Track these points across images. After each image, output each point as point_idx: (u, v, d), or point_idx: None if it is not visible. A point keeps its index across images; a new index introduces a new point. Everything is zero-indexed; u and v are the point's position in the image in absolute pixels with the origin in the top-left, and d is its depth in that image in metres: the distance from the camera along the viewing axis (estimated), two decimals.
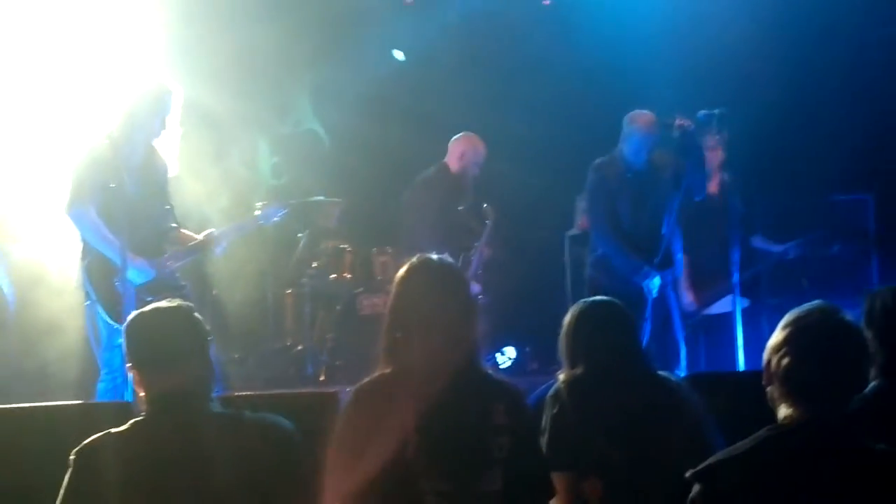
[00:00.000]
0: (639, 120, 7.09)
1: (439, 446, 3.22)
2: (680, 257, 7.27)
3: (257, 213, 6.86)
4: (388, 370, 3.39)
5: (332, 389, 6.50)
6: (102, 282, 5.82)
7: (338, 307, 9.22)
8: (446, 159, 8.05)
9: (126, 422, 3.15)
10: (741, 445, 2.74)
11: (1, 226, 7.34)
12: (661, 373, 4.24)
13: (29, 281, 7.05)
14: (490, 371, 3.54)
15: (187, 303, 3.38)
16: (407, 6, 10.58)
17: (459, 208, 8.08)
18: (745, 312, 7.66)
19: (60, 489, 3.06)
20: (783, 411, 2.80)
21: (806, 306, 2.86)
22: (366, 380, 3.41)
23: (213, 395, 3.29)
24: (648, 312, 6.87)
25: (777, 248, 6.78)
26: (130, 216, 5.65)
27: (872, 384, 3.27)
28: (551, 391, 4.09)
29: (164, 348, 3.21)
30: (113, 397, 5.71)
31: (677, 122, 6.92)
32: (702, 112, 6.86)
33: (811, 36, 8.89)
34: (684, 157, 7.02)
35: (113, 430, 3.13)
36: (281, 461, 3.12)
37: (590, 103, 9.49)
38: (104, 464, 3.05)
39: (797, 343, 2.79)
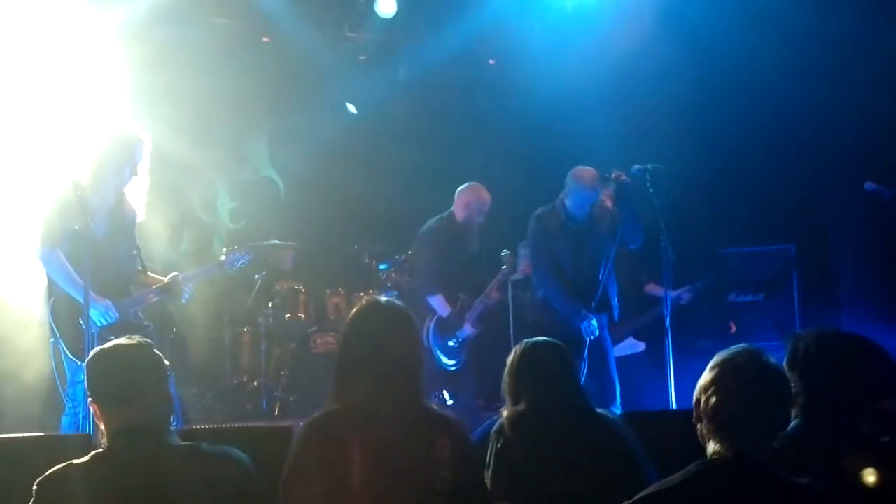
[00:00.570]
0: (584, 177, 7.15)
1: (384, 480, 3.20)
2: (616, 302, 7.32)
3: (222, 258, 6.85)
4: (336, 406, 3.37)
5: (286, 423, 6.44)
6: (66, 320, 5.76)
7: (292, 345, 9.20)
8: (453, 208, 8.06)
9: (87, 454, 3.10)
10: (672, 479, 2.76)
11: None
12: (598, 410, 4.25)
13: None
14: (435, 407, 3.54)
15: (147, 340, 3.34)
16: (361, 62, 10.64)
17: (465, 254, 8.07)
18: (647, 354, 7.81)
19: None
20: (711, 447, 2.83)
21: (732, 349, 2.90)
22: (315, 415, 3.38)
23: (172, 427, 3.26)
24: (586, 353, 6.91)
25: (670, 294, 6.83)
26: (96, 259, 5.59)
27: (794, 422, 3.29)
28: (495, 426, 4.08)
29: (124, 383, 3.18)
30: (76, 431, 5.63)
31: (613, 175, 7.02)
32: (636, 166, 6.93)
33: (738, 92, 9.03)
34: (619, 207, 7.10)
35: (75, 461, 3.09)
36: (238, 492, 3.10)
37: (530, 155, 9.59)
38: (66, 493, 3.01)
39: (724, 383, 2.82)
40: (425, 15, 10.11)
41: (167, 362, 3.32)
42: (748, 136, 9.06)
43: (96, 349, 3.34)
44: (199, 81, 9.31)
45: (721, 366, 2.86)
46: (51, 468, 3.07)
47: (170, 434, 3.20)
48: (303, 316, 9.36)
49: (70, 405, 5.77)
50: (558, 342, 4.35)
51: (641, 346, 8.45)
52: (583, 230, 7.20)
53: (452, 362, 8.02)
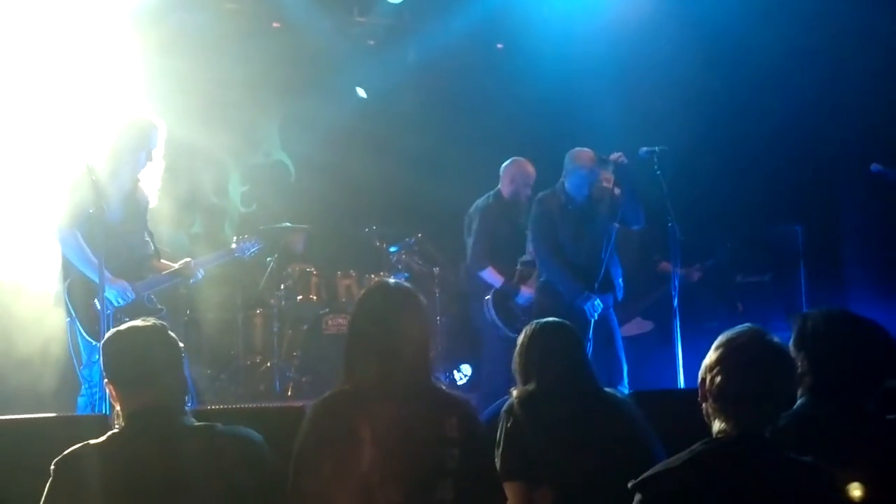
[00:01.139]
0: (582, 158, 7.16)
1: (393, 459, 3.20)
2: (620, 282, 7.31)
3: (233, 246, 6.87)
4: (346, 386, 3.38)
5: (298, 404, 6.45)
6: (82, 301, 5.79)
7: (304, 327, 9.22)
8: (499, 185, 8.06)
9: (103, 434, 3.12)
10: (678, 458, 2.76)
11: None
12: (607, 389, 4.25)
13: (12, 297, 6.97)
14: (443, 386, 3.54)
15: (161, 322, 3.36)
16: (370, 47, 10.63)
17: (516, 227, 8.05)
18: (656, 334, 7.80)
19: (41, 497, 3.03)
20: (717, 426, 2.84)
21: (737, 328, 2.90)
22: (324, 395, 3.39)
23: (187, 408, 3.28)
24: (591, 333, 6.90)
25: (679, 273, 6.85)
26: (110, 243, 5.62)
27: (800, 401, 3.30)
28: (505, 406, 4.09)
29: (139, 365, 3.20)
30: (92, 411, 5.66)
31: (612, 156, 7.03)
32: (643, 149, 6.94)
33: (747, 78, 9.01)
34: (619, 188, 7.09)
35: (91, 441, 3.10)
36: (252, 471, 3.12)
37: (538, 138, 9.56)
38: (83, 473, 3.03)
39: (729, 362, 2.83)
40: None
41: (181, 344, 3.33)
42: (755, 118, 9.03)
43: (112, 331, 3.35)
44: (210, 67, 9.32)
45: (726, 345, 2.86)
46: (67, 448, 3.09)
47: (185, 415, 3.22)
48: (314, 298, 9.38)
49: (86, 386, 5.80)
50: (567, 322, 4.37)
51: (649, 326, 8.45)
52: (583, 212, 7.20)
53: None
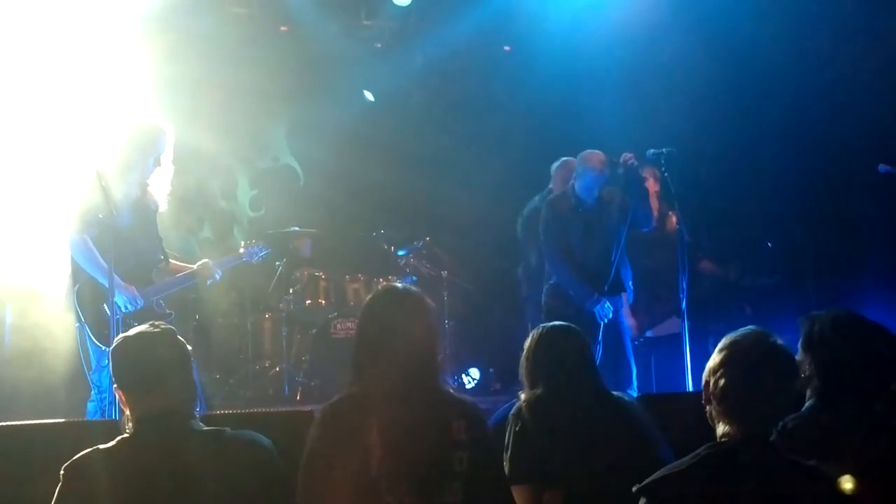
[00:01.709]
0: (591, 160, 7.15)
1: (402, 461, 3.21)
2: (630, 285, 7.32)
3: (241, 251, 6.89)
4: (355, 390, 3.38)
5: (307, 408, 6.47)
6: (91, 306, 5.80)
7: (313, 331, 9.22)
8: (551, 185, 8.06)
9: (113, 439, 3.13)
10: (683, 462, 2.77)
11: None
12: (614, 393, 4.26)
13: (22, 302, 7.00)
14: (451, 390, 3.55)
15: (170, 327, 3.37)
16: (377, 50, 10.65)
17: None
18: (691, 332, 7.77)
19: (52, 502, 3.04)
20: (721, 429, 2.84)
21: (741, 331, 2.91)
22: (332, 400, 3.40)
23: (196, 413, 3.28)
24: (600, 336, 6.91)
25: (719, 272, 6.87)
26: (119, 248, 5.64)
27: (808, 403, 3.30)
28: (513, 409, 4.10)
29: (149, 370, 3.21)
30: (102, 416, 5.67)
31: (622, 158, 7.03)
32: (650, 151, 6.94)
33: (754, 80, 9.01)
34: (629, 191, 7.09)
35: (101, 446, 3.11)
36: (261, 476, 3.13)
37: (546, 140, 9.57)
38: (93, 478, 3.04)
39: (732, 365, 2.83)
40: (441, 2, 10.10)
41: (190, 348, 3.34)
42: (763, 119, 9.03)
43: (120, 336, 3.36)
44: (218, 71, 9.34)
45: (729, 348, 2.87)
46: (77, 453, 3.10)
47: (194, 419, 3.23)
48: (323, 302, 9.40)
49: (95, 391, 5.81)
50: (574, 326, 4.37)
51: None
52: (593, 214, 7.20)
53: None
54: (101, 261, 5.71)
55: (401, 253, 9.63)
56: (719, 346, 2.90)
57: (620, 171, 7.12)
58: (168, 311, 6.13)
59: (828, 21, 8.34)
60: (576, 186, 7.25)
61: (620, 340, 7.13)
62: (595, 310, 6.95)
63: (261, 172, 11.11)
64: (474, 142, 10.25)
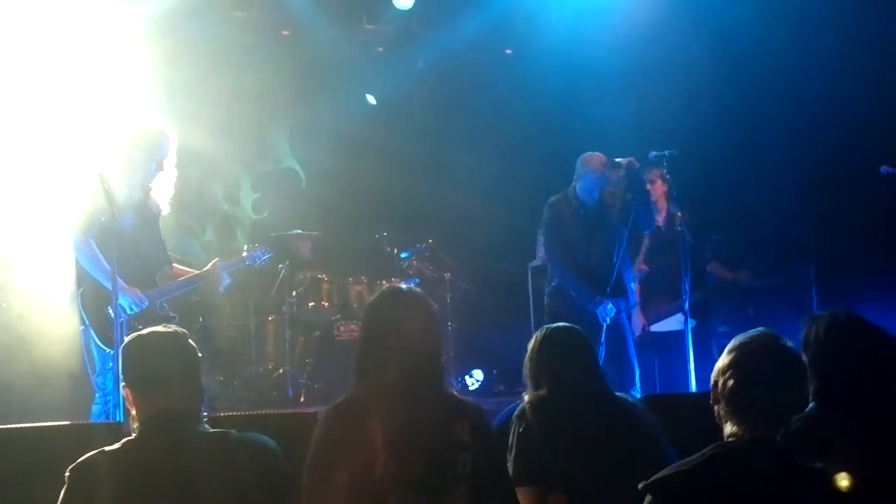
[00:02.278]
0: (592, 162, 7.14)
1: (406, 463, 3.20)
2: (632, 286, 7.31)
3: (244, 254, 6.88)
4: (358, 392, 3.38)
5: (311, 410, 6.48)
6: (96, 309, 5.81)
7: (316, 333, 9.24)
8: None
9: (117, 441, 3.13)
10: (689, 461, 2.77)
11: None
12: (618, 394, 4.25)
13: (26, 304, 7.00)
14: (455, 392, 3.54)
15: (182, 329, 3.37)
16: (379, 54, 10.66)
17: None
18: (693, 331, 7.77)
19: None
20: (728, 429, 2.84)
21: (751, 332, 2.91)
22: (336, 402, 3.39)
23: (203, 416, 3.28)
24: (603, 338, 6.90)
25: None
26: (122, 251, 5.64)
27: (810, 406, 3.30)
28: (517, 411, 4.09)
29: (157, 369, 3.20)
30: (106, 419, 5.67)
31: (624, 160, 7.03)
32: (653, 153, 6.95)
33: (755, 81, 9.01)
34: (631, 193, 7.09)
35: (106, 448, 3.10)
36: (266, 477, 3.12)
37: (548, 143, 9.57)
38: (98, 480, 3.03)
39: (741, 366, 2.83)
40: (442, 6, 10.11)
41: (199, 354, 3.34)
42: (764, 121, 9.02)
43: (133, 335, 3.34)
44: (220, 75, 9.36)
45: (738, 349, 2.87)
46: (82, 456, 3.09)
47: (200, 422, 3.22)
48: (326, 304, 9.41)
49: (100, 393, 5.81)
50: (578, 327, 4.36)
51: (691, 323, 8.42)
52: (595, 216, 7.18)
53: None
54: (105, 263, 5.71)
55: (403, 255, 9.64)
56: (728, 346, 2.90)
57: (622, 173, 7.12)
58: (172, 314, 6.14)
59: (829, 21, 8.34)
60: (577, 188, 7.24)
61: (623, 341, 7.12)
62: (598, 311, 6.94)
63: (263, 175, 11.12)
64: (476, 144, 10.25)
